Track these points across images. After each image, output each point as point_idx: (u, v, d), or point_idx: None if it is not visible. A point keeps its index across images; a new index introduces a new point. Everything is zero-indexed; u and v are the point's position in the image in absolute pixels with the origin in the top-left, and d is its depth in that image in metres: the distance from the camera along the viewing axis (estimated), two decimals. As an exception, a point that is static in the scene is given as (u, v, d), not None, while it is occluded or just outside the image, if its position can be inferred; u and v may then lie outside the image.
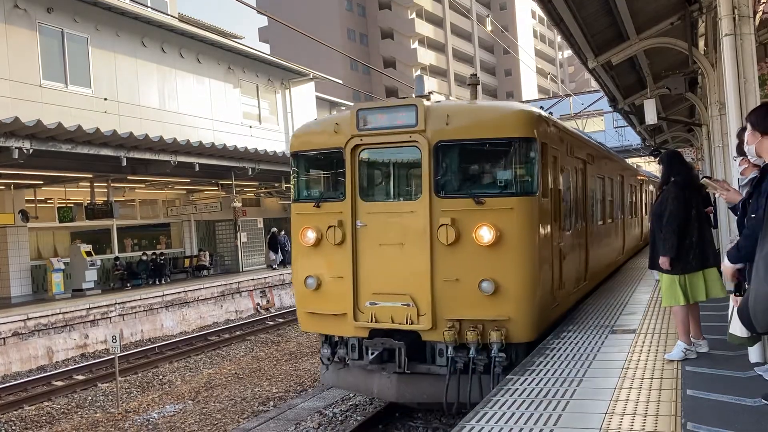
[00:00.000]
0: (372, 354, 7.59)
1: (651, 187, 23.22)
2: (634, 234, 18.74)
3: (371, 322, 7.74)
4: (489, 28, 29.32)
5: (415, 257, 7.55)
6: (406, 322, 7.58)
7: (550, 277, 8.01)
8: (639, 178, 20.37)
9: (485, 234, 7.23)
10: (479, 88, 9.33)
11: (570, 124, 13.06)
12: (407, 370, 7.54)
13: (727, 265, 4.15)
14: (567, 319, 9.08)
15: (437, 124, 7.56)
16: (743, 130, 4.46)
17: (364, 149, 7.98)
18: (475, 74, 9.29)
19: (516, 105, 8.41)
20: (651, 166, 39.70)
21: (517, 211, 7.34)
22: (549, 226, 7.98)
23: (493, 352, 7.24)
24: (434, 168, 7.55)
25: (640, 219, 20.26)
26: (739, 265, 4.10)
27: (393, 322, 7.65)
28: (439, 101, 8.50)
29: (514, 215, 7.32)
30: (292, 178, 8.75)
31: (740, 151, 5.45)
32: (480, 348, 7.33)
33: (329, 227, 7.95)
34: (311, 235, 8.12)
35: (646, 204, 21.67)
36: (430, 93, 8.49)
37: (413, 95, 8.47)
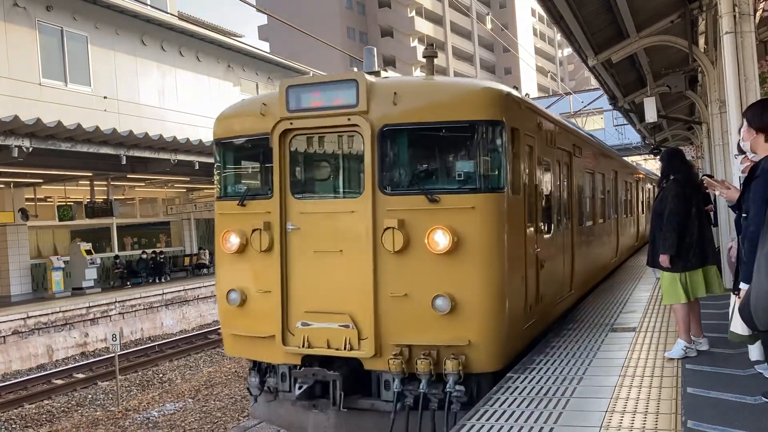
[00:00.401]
0: (300, 388, 6.39)
1: (649, 185, 23.02)
2: (629, 234, 17.82)
3: (303, 346, 6.46)
4: (489, 26, 29.31)
5: (356, 268, 6.29)
6: (345, 348, 6.32)
7: (522, 290, 6.77)
8: (636, 175, 19.84)
9: (440, 239, 6.01)
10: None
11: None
12: (344, 407, 6.33)
13: (744, 288, 3.90)
14: (548, 335, 8.02)
15: (383, 104, 6.31)
16: None
17: (296, 135, 6.71)
18: (432, 45, 7.76)
19: (480, 82, 7.03)
20: (650, 164, 39.71)
21: (479, 210, 6.11)
22: (522, 229, 6.80)
23: (448, 385, 6.01)
24: (379, 158, 6.29)
25: (637, 218, 19.51)
26: None
27: (329, 347, 6.39)
28: (387, 77, 7.15)
29: (475, 216, 6.09)
30: (215, 171, 7.56)
31: (741, 148, 5.45)
32: (433, 380, 6.08)
33: (254, 230, 6.67)
34: (234, 240, 6.84)
35: (643, 202, 21.17)
36: (383, 69, 7.26)
37: (355, 69, 7.25)
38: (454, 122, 6.29)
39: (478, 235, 6.09)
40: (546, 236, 7.88)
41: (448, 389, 6.00)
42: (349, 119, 6.37)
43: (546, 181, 8.08)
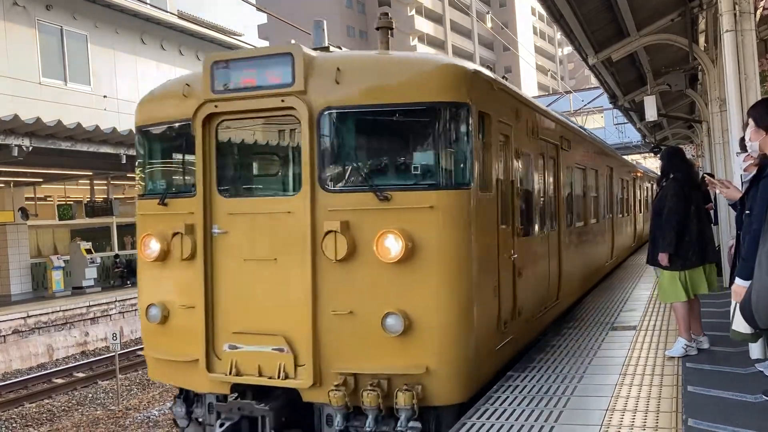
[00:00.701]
0: (222, 425, 5.47)
1: (647, 183, 22.88)
2: (625, 234, 16.99)
3: (230, 373, 5.49)
4: (489, 25, 29.29)
5: (292, 279, 5.35)
6: (279, 376, 5.34)
7: (494, 303, 5.81)
8: (634, 172, 19.48)
9: (392, 245, 5.04)
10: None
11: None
12: None
13: (738, 284, 3.85)
14: (531, 351, 7.19)
15: (324, 83, 5.33)
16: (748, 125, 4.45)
17: (222, 121, 5.73)
18: (387, 14, 6.53)
19: (441, 57, 6.07)
20: (649, 163, 39.72)
21: (439, 210, 5.15)
22: (493, 232, 5.85)
23: (399, 423, 5.05)
24: (318, 148, 5.32)
25: (634, 217, 18.97)
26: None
27: (261, 374, 5.41)
28: (332, 52, 6.07)
29: (435, 217, 5.15)
30: (136, 165, 6.59)
31: (744, 146, 5.44)
32: (383, 415, 5.15)
33: (175, 234, 5.74)
34: (155, 246, 5.90)
35: (640, 201, 20.79)
36: (335, 46, 6.31)
37: (293, 41, 6.12)
38: (409, 104, 5.27)
39: (438, 239, 5.15)
40: (525, 239, 6.96)
41: (399, 428, 5.07)
42: (283, 101, 5.40)
43: (526, 177, 7.22)
